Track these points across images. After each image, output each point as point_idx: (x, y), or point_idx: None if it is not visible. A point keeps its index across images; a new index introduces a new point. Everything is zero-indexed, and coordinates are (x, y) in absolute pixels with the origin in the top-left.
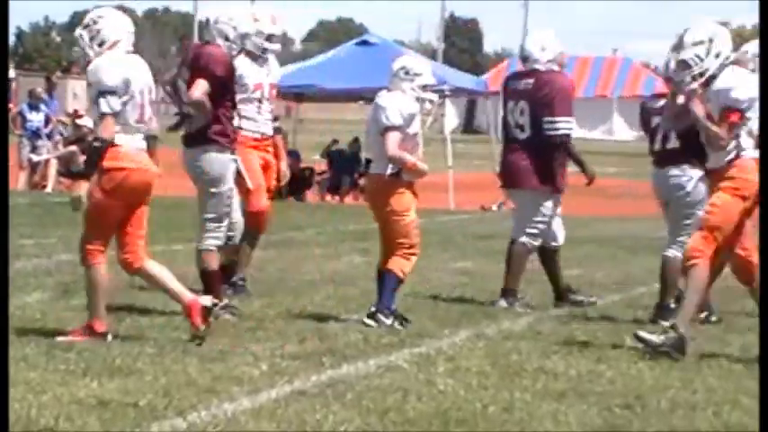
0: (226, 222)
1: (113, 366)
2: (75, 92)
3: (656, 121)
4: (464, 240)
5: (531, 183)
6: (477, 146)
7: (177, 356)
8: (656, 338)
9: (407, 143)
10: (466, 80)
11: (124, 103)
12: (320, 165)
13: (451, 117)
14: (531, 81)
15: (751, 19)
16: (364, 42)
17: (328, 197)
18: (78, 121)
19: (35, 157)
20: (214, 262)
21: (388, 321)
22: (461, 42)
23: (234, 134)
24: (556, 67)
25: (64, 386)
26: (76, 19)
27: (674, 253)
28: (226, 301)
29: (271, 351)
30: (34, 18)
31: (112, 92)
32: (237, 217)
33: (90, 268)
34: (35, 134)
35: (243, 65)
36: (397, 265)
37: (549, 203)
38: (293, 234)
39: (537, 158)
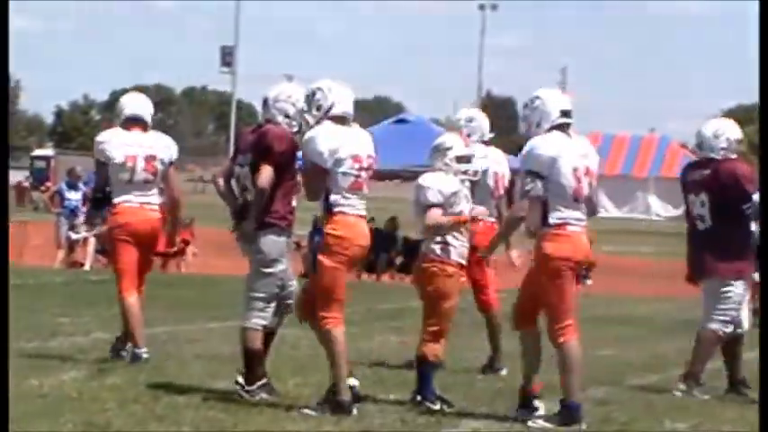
0: (273, 304)
1: None
2: None
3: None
4: (500, 320)
5: (716, 271)
6: None
7: None
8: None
9: None
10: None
11: None
12: None
13: None
14: (707, 171)
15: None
16: (401, 121)
17: (364, 275)
18: None
19: (74, 235)
20: (258, 341)
21: (436, 407)
22: (497, 120)
23: (291, 216)
24: (732, 155)
25: None
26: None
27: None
28: (264, 380)
29: (307, 431)
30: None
31: None
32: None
33: (328, 332)
34: (73, 212)
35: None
36: (431, 350)
37: (736, 289)
38: None
39: (720, 247)
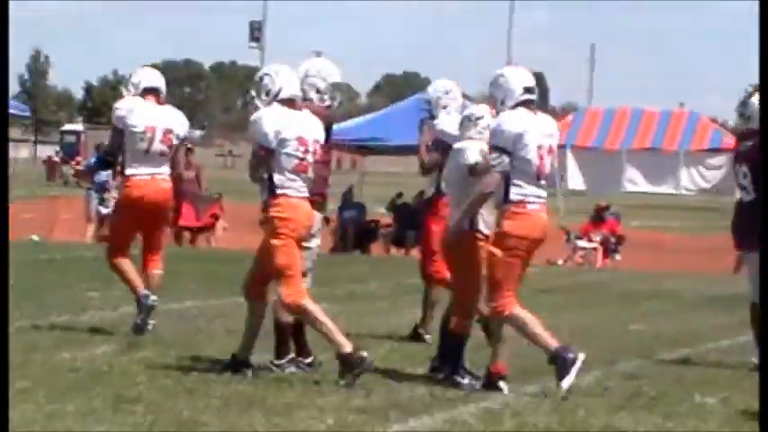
0: (308, 277)
1: (180, 420)
2: None
3: None
4: (528, 294)
5: (757, 245)
6: None
7: (243, 410)
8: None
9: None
10: None
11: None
12: (385, 218)
13: None
14: (749, 143)
15: None
16: None
17: (393, 250)
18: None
19: (104, 210)
20: (287, 315)
21: (466, 381)
22: None
23: (326, 191)
24: None
25: None
26: None
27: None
28: (292, 354)
29: (337, 405)
30: (103, 72)
31: None
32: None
33: (297, 305)
34: (103, 187)
35: None
36: (461, 324)
37: None
38: (356, 287)
39: (762, 220)
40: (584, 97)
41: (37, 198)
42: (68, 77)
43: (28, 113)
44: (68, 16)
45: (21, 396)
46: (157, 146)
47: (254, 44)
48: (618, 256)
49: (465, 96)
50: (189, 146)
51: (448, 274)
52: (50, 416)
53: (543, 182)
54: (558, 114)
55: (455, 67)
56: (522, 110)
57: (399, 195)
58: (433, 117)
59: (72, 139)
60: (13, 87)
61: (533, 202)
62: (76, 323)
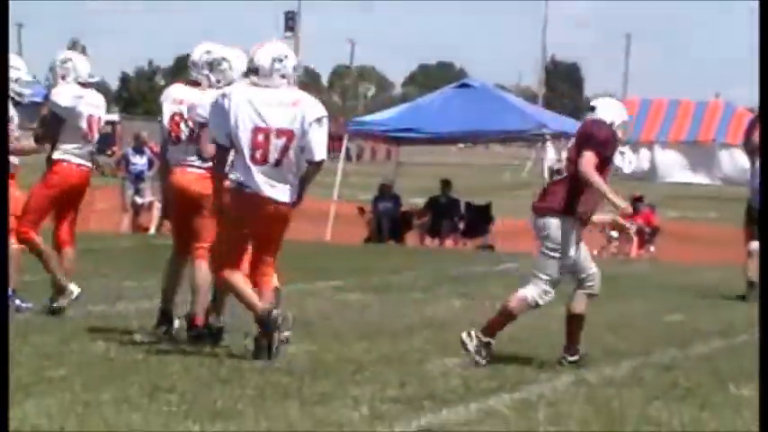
0: (554, 287)
1: (215, 409)
2: None
3: None
4: (563, 285)
5: None
6: None
7: (278, 400)
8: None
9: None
10: (567, 124)
11: None
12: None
13: (552, 161)
14: None
15: None
16: (464, 86)
17: (428, 240)
18: None
19: (139, 200)
20: (522, 311)
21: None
22: (561, 86)
23: (586, 207)
24: None
25: (166, 429)
26: (180, 63)
27: None
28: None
29: (371, 395)
30: (138, 63)
31: None
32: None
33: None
34: (138, 177)
35: None
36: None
37: None
38: (392, 278)
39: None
40: (620, 87)
41: None
42: (104, 68)
43: None
44: (105, 8)
45: (58, 385)
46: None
47: (288, 33)
48: (652, 248)
49: (501, 87)
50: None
51: None
52: (86, 404)
53: None
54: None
55: (490, 56)
56: None
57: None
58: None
59: (108, 129)
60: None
61: None
62: (112, 313)
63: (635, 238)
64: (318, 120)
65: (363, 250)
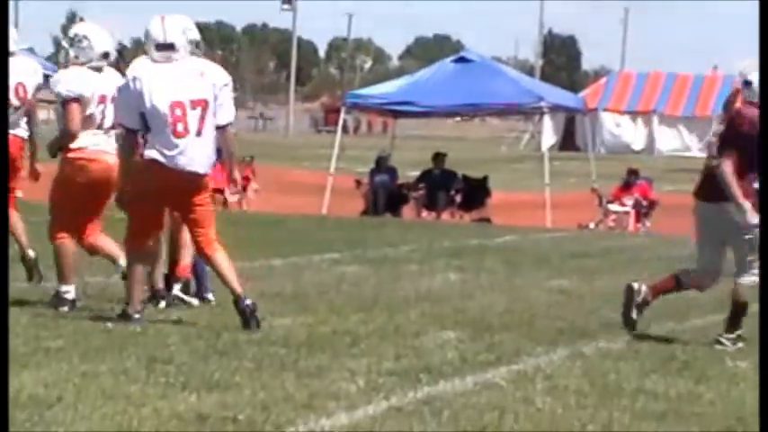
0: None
1: (212, 381)
2: None
3: None
4: (560, 259)
5: None
6: (574, 163)
7: (275, 372)
8: None
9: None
10: (564, 97)
11: None
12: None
13: (549, 134)
14: None
15: None
16: (461, 59)
17: (425, 213)
18: None
19: None
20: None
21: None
22: (559, 59)
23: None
24: None
25: (164, 400)
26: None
27: None
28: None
29: (367, 367)
30: (136, 34)
31: None
32: None
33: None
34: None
35: None
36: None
37: None
38: (389, 250)
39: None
40: (617, 61)
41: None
42: None
43: None
44: None
45: (55, 355)
46: None
47: (286, 6)
48: (648, 222)
49: (498, 60)
50: None
51: None
52: (84, 375)
53: None
54: (591, 78)
55: (487, 29)
56: None
57: (437, 156)
58: None
59: None
60: (48, 48)
61: None
62: (109, 284)
63: (632, 212)
64: (225, 85)
65: (360, 223)
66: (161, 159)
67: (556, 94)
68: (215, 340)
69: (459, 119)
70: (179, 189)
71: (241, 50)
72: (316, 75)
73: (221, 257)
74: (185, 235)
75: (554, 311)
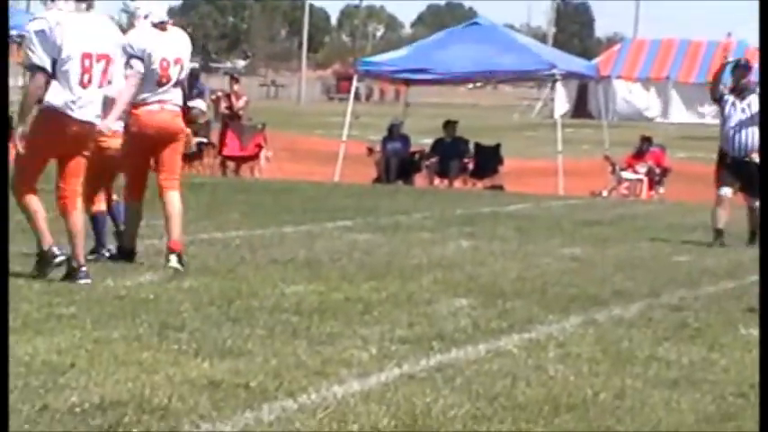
0: None
1: (224, 347)
2: None
3: None
4: (572, 226)
5: None
6: (586, 131)
7: (287, 339)
8: None
9: None
10: (577, 65)
11: None
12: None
13: (562, 102)
14: None
15: None
16: (474, 25)
17: (437, 181)
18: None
19: None
20: None
21: None
22: (571, 27)
23: None
24: None
25: (176, 366)
26: (189, 4)
27: None
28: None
29: (380, 334)
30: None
31: None
32: None
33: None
34: None
35: None
36: None
37: None
38: (401, 218)
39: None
40: (630, 28)
41: None
42: (109, 6)
43: None
44: None
45: (68, 322)
46: None
47: None
48: (661, 189)
49: (510, 27)
50: (234, 75)
51: None
52: (96, 341)
53: None
54: (604, 45)
55: None
56: None
57: (448, 124)
58: None
59: None
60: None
61: None
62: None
63: (645, 179)
64: (122, 45)
65: (372, 190)
66: (57, 106)
67: (569, 62)
68: (227, 307)
69: (471, 86)
70: (76, 138)
71: (253, 18)
72: (328, 42)
73: (77, 216)
74: (172, 208)
75: (566, 279)
